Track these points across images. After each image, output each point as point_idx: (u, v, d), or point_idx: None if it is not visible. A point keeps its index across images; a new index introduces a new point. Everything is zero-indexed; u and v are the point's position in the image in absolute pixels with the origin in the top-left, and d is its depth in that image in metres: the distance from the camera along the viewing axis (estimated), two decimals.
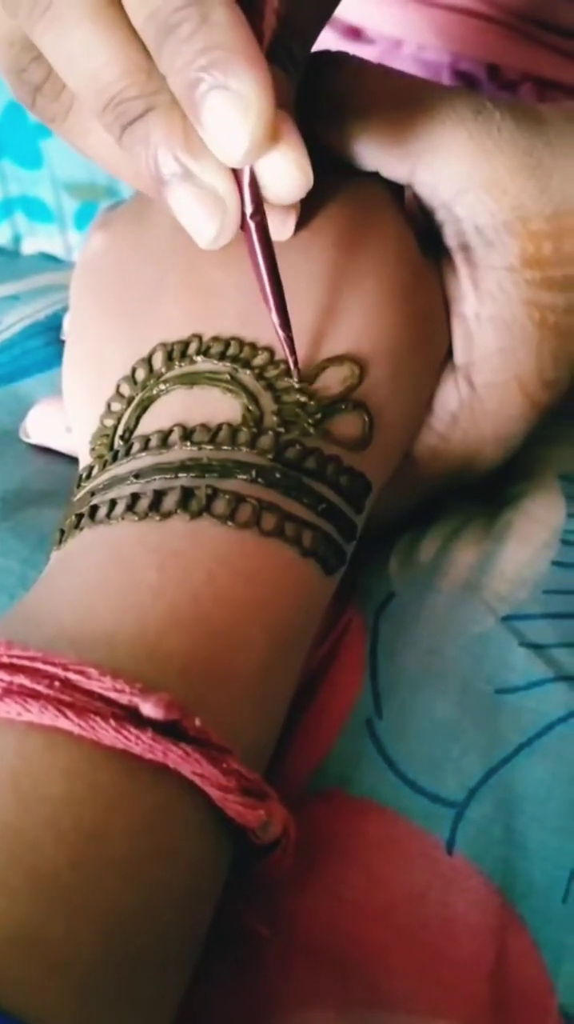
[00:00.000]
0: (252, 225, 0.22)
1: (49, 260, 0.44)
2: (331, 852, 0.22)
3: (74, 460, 0.29)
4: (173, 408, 0.24)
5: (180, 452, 0.22)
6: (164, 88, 0.20)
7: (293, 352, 0.23)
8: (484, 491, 0.29)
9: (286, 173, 0.21)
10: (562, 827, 0.22)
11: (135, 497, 0.22)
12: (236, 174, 0.21)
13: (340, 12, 0.45)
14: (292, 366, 0.23)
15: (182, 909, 0.18)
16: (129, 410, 0.24)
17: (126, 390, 0.25)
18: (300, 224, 0.25)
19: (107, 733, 0.17)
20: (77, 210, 0.49)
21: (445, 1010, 0.20)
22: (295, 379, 0.23)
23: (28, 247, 0.50)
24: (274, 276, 0.22)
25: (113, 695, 0.18)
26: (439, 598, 0.26)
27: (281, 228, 0.24)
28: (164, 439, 0.23)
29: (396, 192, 0.27)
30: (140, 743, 0.17)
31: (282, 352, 0.23)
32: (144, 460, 0.23)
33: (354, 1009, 0.20)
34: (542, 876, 0.21)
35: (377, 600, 0.26)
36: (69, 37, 0.20)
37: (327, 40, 0.44)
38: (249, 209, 0.21)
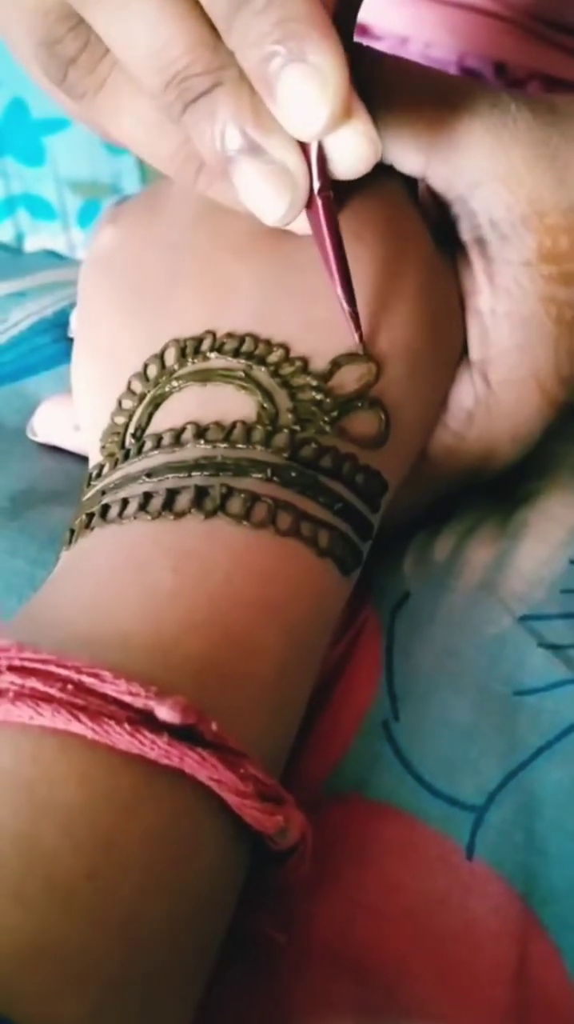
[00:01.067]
0: (320, 201, 0.21)
1: (53, 257, 0.44)
2: (348, 857, 0.21)
3: (83, 459, 0.28)
4: (186, 405, 0.23)
5: (193, 450, 0.22)
6: (231, 63, 0.20)
7: (358, 327, 0.23)
8: (499, 488, 0.29)
9: (358, 146, 0.20)
10: None
11: (148, 496, 0.21)
12: (304, 150, 0.20)
13: None
14: (358, 340, 0.23)
15: (198, 915, 0.18)
16: (141, 407, 0.24)
17: (138, 387, 0.24)
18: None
19: (122, 737, 0.17)
20: (80, 207, 0.49)
21: (465, 1017, 0.20)
22: (361, 351, 0.23)
23: (31, 244, 0.50)
24: (340, 253, 0.22)
25: (128, 698, 0.17)
26: (455, 598, 0.25)
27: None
28: (177, 437, 0.23)
29: (410, 186, 0.26)
30: (156, 748, 0.17)
31: (349, 331, 0.23)
32: (156, 458, 0.22)
33: (371, 1016, 0.20)
34: (563, 881, 0.21)
35: (392, 599, 0.25)
36: (129, 12, 0.20)
37: None
38: (317, 184, 0.21)
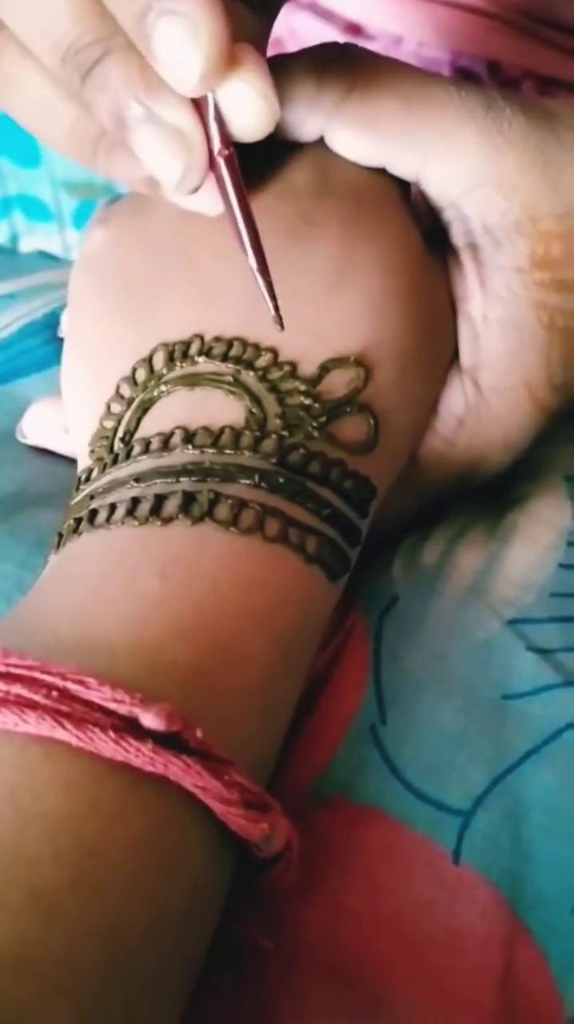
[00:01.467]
0: (221, 162, 0.20)
1: (47, 258, 0.44)
2: (334, 862, 0.21)
3: (72, 462, 0.28)
4: (174, 410, 0.23)
5: (182, 455, 0.22)
6: (118, 31, 0.19)
7: (273, 296, 0.21)
8: (489, 492, 0.29)
9: (251, 102, 0.19)
10: (571, 836, 0.21)
11: (135, 501, 0.21)
12: (200, 110, 0.20)
13: (341, 8, 0.45)
14: (272, 311, 0.21)
15: (183, 924, 0.18)
16: (129, 412, 0.24)
17: (126, 391, 0.24)
18: (302, 222, 0.24)
19: (106, 745, 0.17)
20: (75, 208, 0.49)
21: (451, 1023, 0.20)
22: (280, 326, 0.22)
23: (26, 246, 0.50)
24: (248, 215, 0.21)
25: (112, 705, 0.17)
26: (444, 602, 0.25)
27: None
28: (165, 442, 0.22)
29: (403, 189, 0.26)
30: (140, 755, 0.17)
31: (268, 308, 0.21)
32: (145, 463, 0.22)
33: (358, 1021, 0.20)
34: (550, 886, 0.21)
35: (381, 604, 0.25)
36: None
37: (327, 36, 0.44)
38: (216, 145, 0.20)
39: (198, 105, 0.20)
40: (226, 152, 0.20)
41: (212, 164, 0.20)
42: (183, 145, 0.20)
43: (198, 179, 0.20)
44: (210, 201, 0.22)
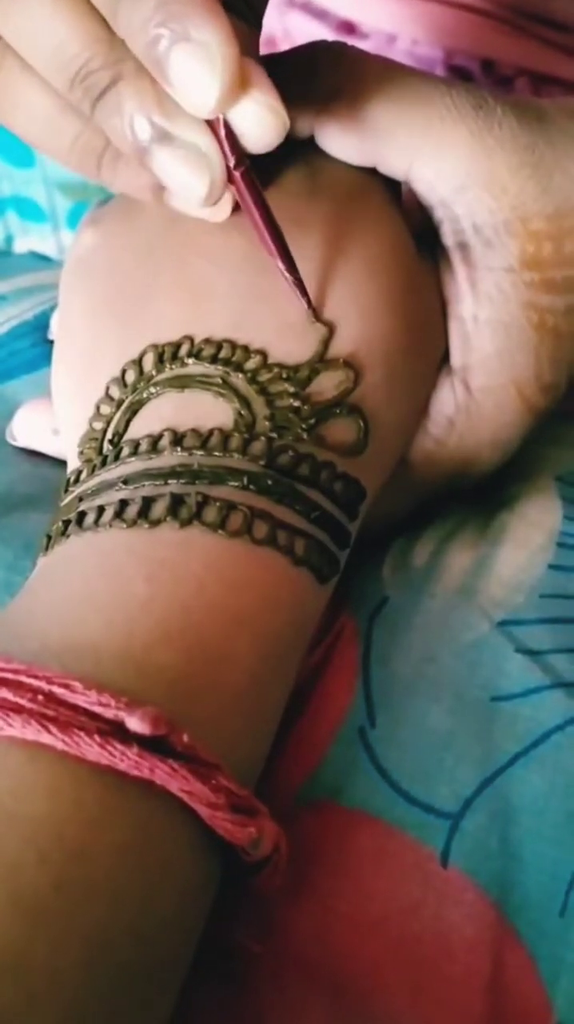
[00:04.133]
0: (238, 176, 0.21)
1: (39, 259, 0.44)
2: (323, 865, 0.21)
3: (62, 463, 0.28)
4: (163, 412, 0.23)
5: (170, 458, 0.22)
6: (128, 55, 0.20)
7: (305, 293, 0.23)
8: (479, 493, 0.29)
9: (261, 118, 0.20)
10: (559, 839, 0.21)
11: (124, 504, 0.21)
12: (213, 129, 0.21)
13: (334, 7, 0.45)
14: (306, 307, 0.23)
15: (170, 929, 0.18)
16: (118, 413, 0.24)
17: (115, 392, 0.24)
18: (292, 223, 0.24)
19: (91, 749, 0.17)
20: (70, 210, 0.49)
21: None
22: (312, 319, 0.23)
23: (20, 247, 0.50)
24: (272, 224, 0.22)
25: (98, 709, 0.17)
26: (433, 603, 0.25)
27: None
28: (154, 444, 0.22)
29: (393, 189, 0.26)
30: (125, 759, 0.17)
31: (296, 300, 0.23)
32: (133, 465, 0.22)
33: None
34: (539, 889, 0.21)
35: (370, 605, 0.25)
36: (25, 13, 0.20)
37: (321, 35, 0.43)
38: (231, 161, 0.21)
39: (210, 122, 0.20)
40: (242, 168, 0.21)
41: (230, 178, 0.21)
42: (204, 164, 0.21)
43: (220, 193, 0.21)
44: (217, 210, 0.23)
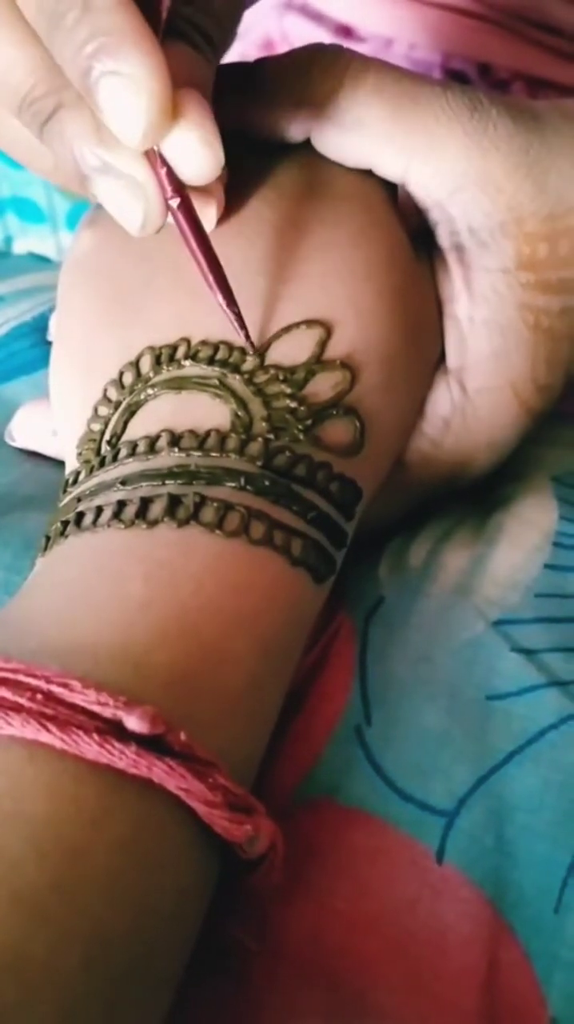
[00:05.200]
0: (174, 208, 0.21)
1: (38, 260, 0.44)
2: (320, 863, 0.21)
3: (61, 464, 0.28)
4: (161, 413, 0.23)
5: (168, 458, 0.22)
6: (69, 83, 0.20)
7: (243, 327, 0.23)
8: (475, 493, 0.29)
9: (192, 151, 0.20)
10: (554, 836, 0.21)
11: (122, 504, 0.21)
12: (150, 159, 0.21)
13: (331, 10, 0.45)
14: (244, 340, 0.23)
15: (167, 927, 0.18)
16: (116, 414, 0.24)
17: (113, 394, 0.24)
18: (289, 225, 0.24)
19: (90, 748, 0.17)
20: (69, 210, 0.49)
21: (435, 1022, 0.20)
22: (251, 352, 0.23)
23: (19, 248, 0.50)
24: (209, 256, 0.22)
25: (96, 708, 0.17)
26: (429, 603, 0.25)
27: (204, 218, 0.23)
28: (152, 445, 0.23)
29: (389, 191, 0.26)
30: (124, 758, 0.17)
31: (234, 331, 0.23)
32: (131, 466, 0.22)
33: (342, 1021, 0.20)
34: (533, 886, 0.21)
35: (367, 605, 0.26)
36: None
37: (319, 39, 0.44)
38: (168, 193, 0.21)
39: (148, 153, 0.21)
40: (177, 199, 0.21)
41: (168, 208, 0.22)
42: (141, 195, 0.21)
43: (157, 224, 0.22)
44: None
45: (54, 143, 0.21)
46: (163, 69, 0.19)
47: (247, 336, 0.23)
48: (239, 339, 0.23)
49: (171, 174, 0.21)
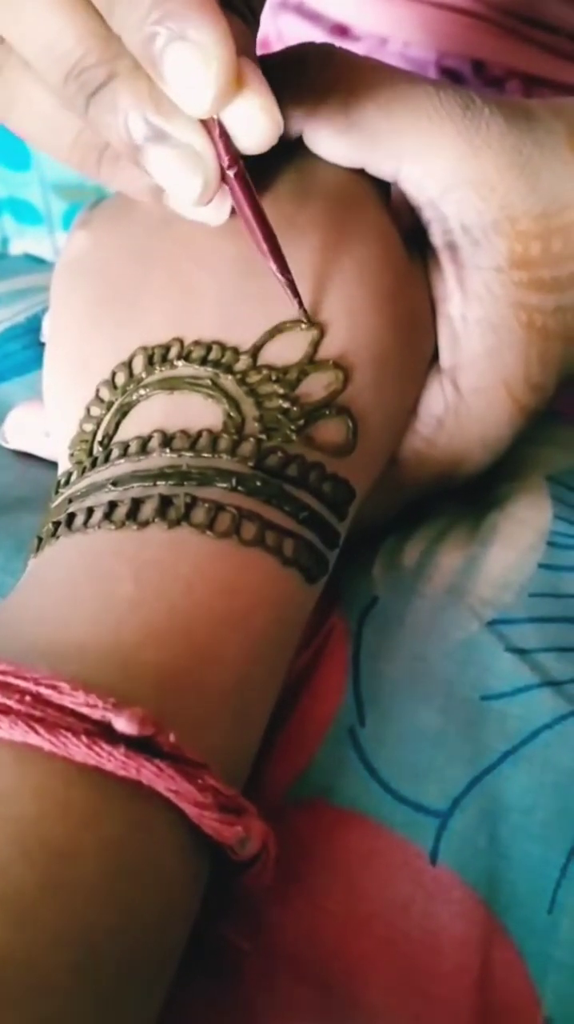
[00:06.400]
0: (231, 177, 0.21)
1: (34, 262, 0.44)
2: (313, 863, 0.21)
3: (54, 465, 0.28)
4: (153, 414, 0.23)
5: (159, 459, 0.22)
6: (124, 52, 0.20)
7: (297, 294, 0.23)
8: (469, 492, 0.29)
9: (255, 120, 0.20)
10: (547, 837, 0.21)
11: (113, 505, 0.21)
12: (207, 128, 0.21)
13: (326, 9, 0.45)
14: (298, 308, 0.23)
15: (157, 929, 0.18)
16: (108, 415, 0.24)
17: (106, 394, 0.24)
18: (282, 225, 0.24)
19: (79, 749, 0.17)
20: (65, 211, 0.49)
21: (428, 1023, 0.20)
22: (305, 321, 0.23)
23: (15, 249, 0.50)
24: (264, 224, 0.22)
25: (85, 710, 0.17)
26: (423, 603, 0.25)
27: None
28: (143, 445, 0.23)
29: (382, 190, 0.26)
30: (113, 759, 0.17)
31: (288, 300, 0.23)
32: (123, 467, 0.22)
33: (335, 1022, 0.20)
34: (527, 887, 0.21)
35: (360, 605, 0.25)
36: (22, 9, 0.20)
37: (314, 38, 0.43)
38: (225, 162, 0.21)
39: (204, 122, 0.20)
40: (235, 168, 0.21)
41: (223, 178, 0.21)
42: (198, 164, 0.21)
43: (213, 194, 0.21)
44: (215, 212, 0.23)
45: (104, 114, 0.20)
46: (230, 37, 0.18)
47: (300, 304, 0.23)
48: (292, 308, 0.23)
49: (228, 143, 0.21)
